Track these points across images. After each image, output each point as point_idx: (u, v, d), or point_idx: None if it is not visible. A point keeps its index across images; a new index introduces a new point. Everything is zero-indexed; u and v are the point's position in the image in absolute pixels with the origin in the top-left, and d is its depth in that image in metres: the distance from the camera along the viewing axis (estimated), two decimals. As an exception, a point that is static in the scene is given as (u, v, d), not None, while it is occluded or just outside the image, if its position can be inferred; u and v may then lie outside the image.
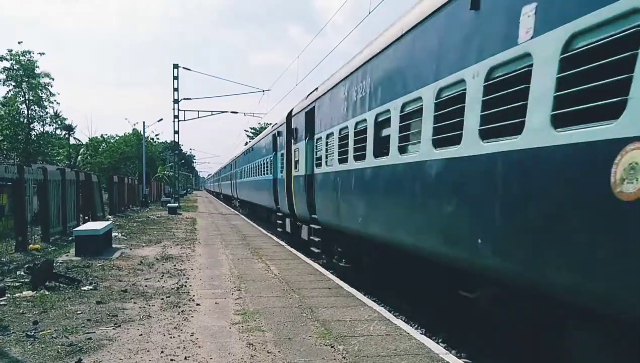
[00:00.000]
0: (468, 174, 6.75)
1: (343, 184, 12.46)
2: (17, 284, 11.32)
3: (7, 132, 38.01)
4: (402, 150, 9.00)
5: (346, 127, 12.23)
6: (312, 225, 16.08)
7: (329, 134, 13.87)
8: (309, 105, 16.43)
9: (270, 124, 37.86)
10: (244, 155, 40.33)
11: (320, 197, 14.82)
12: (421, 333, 8.28)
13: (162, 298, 10.24)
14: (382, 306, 10.17)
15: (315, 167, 15.41)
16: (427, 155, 7.85)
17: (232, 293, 10.80)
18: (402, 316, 10.15)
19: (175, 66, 43.20)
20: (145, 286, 11.49)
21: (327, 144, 14.06)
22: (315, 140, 15.46)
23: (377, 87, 10.31)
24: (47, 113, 42.02)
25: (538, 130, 5.34)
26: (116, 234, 21.37)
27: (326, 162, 14.09)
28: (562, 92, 5.03)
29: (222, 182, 74.56)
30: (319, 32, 75.00)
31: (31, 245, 16.57)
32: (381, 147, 9.98)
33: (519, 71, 5.75)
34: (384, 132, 9.92)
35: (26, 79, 39.08)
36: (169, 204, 42.23)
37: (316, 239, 15.78)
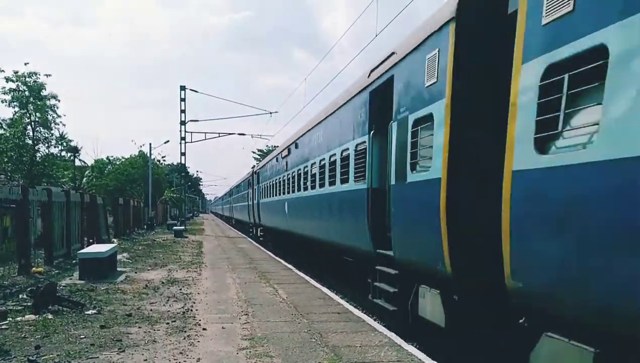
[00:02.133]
0: None
1: None
2: (19, 308, 11.28)
3: (12, 153, 38.16)
4: None
5: None
6: None
7: None
8: None
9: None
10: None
11: None
12: (433, 360, 8.16)
13: (168, 323, 10.18)
14: (392, 331, 10.05)
15: None
16: None
17: (240, 318, 10.73)
18: (414, 342, 10.03)
19: (183, 88, 43.55)
20: (151, 310, 11.43)
21: None
22: None
23: None
24: (52, 135, 42.19)
25: None
26: (121, 257, 21.35)
27: None
28: None
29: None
30: (325, 56, 75.70)
31: (34, 268, 16.54)
32: None
33: None
34: None
35: (32, 101, 39.32)
36: (175, 227, 42.30)
37: None
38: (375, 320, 11.08)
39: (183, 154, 45.33)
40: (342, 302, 12.92)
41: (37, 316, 10.51)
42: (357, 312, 11.55)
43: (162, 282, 15.62)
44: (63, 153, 49.50)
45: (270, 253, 26.59)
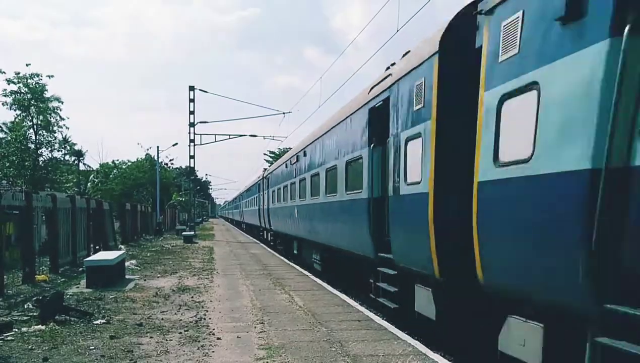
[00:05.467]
0: None
1: None
2: (25, 318, 11.31)
3: (14, 158, 38.42)
4: None
5: None
6: None
7: None
8: None
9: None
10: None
11: None
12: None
13: (180, 332, 10.16)
14: (417, 339, 9.97)
15: None
16: None
17: (255, 327, 10.70)
18: (440, 350, 9.94)
19: (192, 88, 43.57)
20: (162, 319, 11.43)
21: None
22: None
23: None
24: (55, 138, 42.48)
25: None
26: (129, 264, 21.40)
27: None
28: None
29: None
30: (341, 54, 75.79)
31: (38, 276, 16.58)
32: None
33: None
34: None
35: (34, 103, 39.59)
36: (184, 232, 42.44)
37: None
38: (397, 327, 10.99)
39: (192, 156, 45.42)
40: (362, 308, 12.85)
41: (43, 326, 10.53)
42: (378, 320, 11.47)
43: (173, 290, 15.63)
44: (67, 157, 49.86)
45: (284, 259, 26.57)
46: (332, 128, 16.75)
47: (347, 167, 14.63)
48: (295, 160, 23.74)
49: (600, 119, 5.09)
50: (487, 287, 7.22)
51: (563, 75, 5.63)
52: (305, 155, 21.00)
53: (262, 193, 38.59)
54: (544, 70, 5.93)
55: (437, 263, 8.79)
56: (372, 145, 12.35)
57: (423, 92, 9.38)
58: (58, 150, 44.09)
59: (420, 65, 9.71)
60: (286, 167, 26.79)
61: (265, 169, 39.99)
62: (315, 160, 19.19)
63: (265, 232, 40.28)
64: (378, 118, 12.09)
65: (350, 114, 14.40)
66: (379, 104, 12.01)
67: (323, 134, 17.98)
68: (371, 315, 12.03)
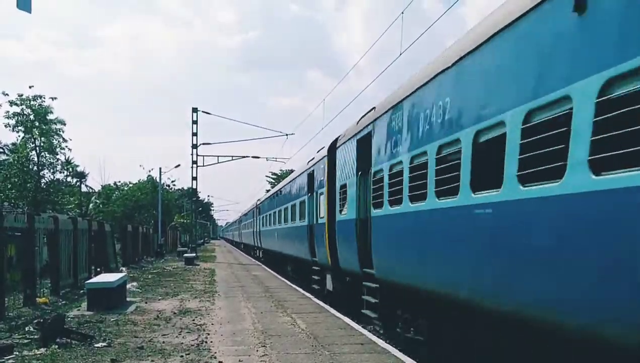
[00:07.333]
0: None
1: None
2: (25, 341, 11.29)
3: (16, 180, 38.44)
4: None
5: None
6: None
7: None
8: None
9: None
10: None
11: None
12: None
13: (182, 356, 10.12)
14: (420, 363, 9.93)
15: None
16: None
17: (257, 350, 10.65)
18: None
19: (195, 110, 43.80)
20: (163, 342, 11.39)
21: None
22: None
23: None
24: (57, 160, 42.52)
25: None
26: (130, 287, 21.36)
27: None
28: None
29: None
30: (344, 77, 76.25)
31: (39, 299, 16.56)
32: None
33: None
34: None
35: (37, 125, 39.66)
36: (185, 254, 42.35)
37: None
38: (401, 351, 10.95)
39: (194, 178, 45.52)
40: (365, 331, 12.81)
41: (44, 349, 10.51)
42: (382, 343, 11.42)
43: (174, 313, 15.60)
44: (69, 179, 49.93)
45: (286, 280, 26.52)
46: None
47: None
48: None
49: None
50: None
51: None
52: None
53: (316, 193, 20.27)
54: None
55: None
56: None
57: None
58: (60, 172, 44.22)
59: None
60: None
61: (337, 139, 17.61)
62: None
63: (328, 276, 18.85)
64: None
65: None
66: None
67: None
68: (374, 338, 11.98)
